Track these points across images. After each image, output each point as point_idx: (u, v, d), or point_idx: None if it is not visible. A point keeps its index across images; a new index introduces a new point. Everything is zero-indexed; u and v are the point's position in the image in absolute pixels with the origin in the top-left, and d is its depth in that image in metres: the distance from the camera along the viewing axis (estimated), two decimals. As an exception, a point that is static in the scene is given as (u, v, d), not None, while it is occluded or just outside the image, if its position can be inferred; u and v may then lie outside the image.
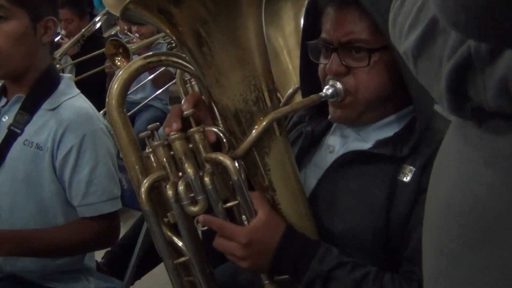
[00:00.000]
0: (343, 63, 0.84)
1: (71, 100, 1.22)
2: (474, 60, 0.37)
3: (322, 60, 0.88)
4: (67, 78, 1.28)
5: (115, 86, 0.87)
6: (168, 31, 0.77)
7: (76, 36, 3.04)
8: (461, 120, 0.44)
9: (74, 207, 1.21)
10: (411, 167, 0.81)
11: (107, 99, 0.87)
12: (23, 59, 1.15)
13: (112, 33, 3.51)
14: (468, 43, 0.37)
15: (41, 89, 1.20)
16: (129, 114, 0.92)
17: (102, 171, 1.20)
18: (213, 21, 0.74)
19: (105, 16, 3.36)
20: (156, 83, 2.91)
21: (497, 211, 0.37)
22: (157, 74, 2.78)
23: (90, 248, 1.29)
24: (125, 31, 3.14)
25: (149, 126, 0.86)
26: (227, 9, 0.74)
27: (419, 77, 0.46)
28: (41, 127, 1.18)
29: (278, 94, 1.46)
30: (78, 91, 1.27)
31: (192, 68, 0.85)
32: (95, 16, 3.43)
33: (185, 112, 0.81)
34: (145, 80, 2.85)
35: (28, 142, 1.17)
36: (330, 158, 0.91)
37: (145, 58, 0.88)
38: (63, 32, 3.10)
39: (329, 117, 0.91)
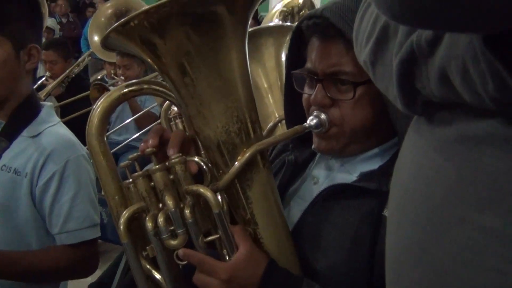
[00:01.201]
0: (328, 94, 0.81)
1: (53, 127, 1.20)
2: (416, 53, 0.39)
3: (307, 90, 0.86)
4: (48, 106, 1.25)
5: (96, 114, 0.83)
6: (150, 60, 0.74)
7: (60, 77, 3.07)
8: (416, 119, 0.46)
9: (50, 235, 1.16)
10: None
11: (87, 128, 0.84)
12: (5, 86, 1.12)
13: (99, 77, 3.54)
14: (411, 38, 0.39)
15: (22, 116, 1.17)
16: (112, 152, 0.89)
17: (84, 197, 1.16)
18: (196, 52, 0.71)
19: (90, 58, 3.39)
20: (140, 124, 2.90)
21: (445, 189, 0.38)
22: (141, 115, 2.78)
23: (68, 275, 1.23)
24: (112, 75, 3.16)
25: (130, 157, 0.82)
26: (211, 40, 0.71)
27: (377, 82, 0.47)
28: (20, 153, 1.14)
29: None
30: (58, 119, 1.25)
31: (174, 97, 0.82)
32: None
33: (171, 157, 0.77)
34: (128, 121, 2.84)
35: (6, 167, 1.13)
36: (315, 190, 0.88)
37: (126, 86, 0.84)
38: (47, 73, 3.11)
39: (313, 147, 0.88)
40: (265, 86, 1.38)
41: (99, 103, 0.82)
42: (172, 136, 0.80)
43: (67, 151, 1.16)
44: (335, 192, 0.83)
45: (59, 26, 6.66)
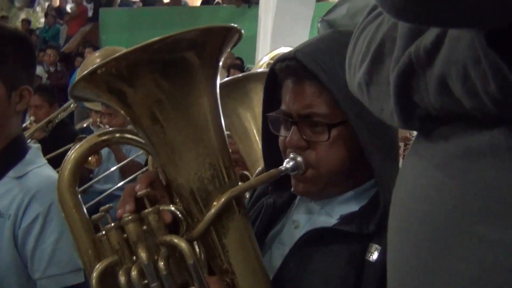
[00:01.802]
0: (303, 137, 0.80)
1: (39, 169, 1.17)
2: (415, 64, 0.38)
3: (283, 133, 0.84)
4: (35, 148, 1.23)
5: (68, 167, 0.80)
6: (119, 109, 0.72)
7: (43, 122, 3.04)
8: (414, 142, 0.45)
9: (31, 281, 1.10)
10: (377, 245, 0.75)
11: (58, 180, 0.81)
12: None
13: (85, 125, 3.53)
14: (409, 50, 0.38)
15: (9, 156, 1.15)
16: (94, 202, 0.86)
17: (68, 241, 1.10)
18: (166, 99, 0.69)
19: (75, 105, 3.39)
20: (124, 173, 2.85)
21: (449, 206, 0.37)
22: (125, 163, 2.75)
23: None
24: (98, 123, 3.16)
25: (101, 208, 0.79)
26: (181, 87, 0.69)
27: (372, 104, 0.46)
28: (4, 194, 1.11)
29: (247, 172, 1.44)
30: (45, 161, 1.22)
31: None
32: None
33: (138, 193, 0.75)
34: (112, 169, 2.79)
35: None
36: (296, 235, 0.84)
37: (98, 135, 0.82)
38: (32, 118, 3.09)
39: (292, 190, 0.86)
40: (254, 130, 1.37)
41: (70, 154, 0.80)
42: (143, 175, 0.78)
43: (53, 193, 1.10)
44: (316, 237, 0.80)
45: (46, 75, 6.72)
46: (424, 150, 0.42)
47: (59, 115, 3.17)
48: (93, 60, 3.67)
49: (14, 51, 1.13)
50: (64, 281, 1.10)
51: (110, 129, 0.83)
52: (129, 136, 0.81)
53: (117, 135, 0.81)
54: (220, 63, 0.73)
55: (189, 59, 0.69)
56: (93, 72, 0.68)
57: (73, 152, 0.80)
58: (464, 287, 0.35)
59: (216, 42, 0.71)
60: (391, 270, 0.44)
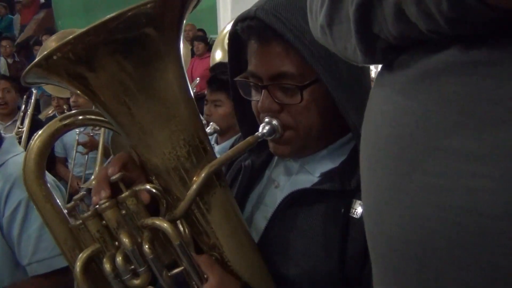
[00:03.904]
0: (276, 100, 0.74)
1: (16, 157, 1.14)
2: None
3: (254, 96, 0.78)
4: (11, 137, 1.20)
5: (31, 157, 0.72)
6: (80, 92, 0.65)
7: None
8: (378, 74, 0.44)
9: (22, 268, 1.07)
10: (360, 201, 0.71)
11: (23, 173, 0.73)
12: None
13: (50, 112, 3.37)
14: None
15: None
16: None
17: None
18: (129, 79, 0.61)
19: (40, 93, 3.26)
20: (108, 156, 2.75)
21: (413, 125, 0.37)
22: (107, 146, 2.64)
23: None
24: (64, 109, 3.02)
25: (74, 197, 0.72)
26: (143, 65, 0.61)
27: (336, 44, 0.45)
28: None
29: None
30: (22, 149, 1.18)
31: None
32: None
33: (112, 177, 0.68)
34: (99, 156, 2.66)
35: None
36: (277, 196, 0.80)
37: (60, 120, 0.72)
38: None
39: (271, 150, 0.80)
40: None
41: (32, 144, 0.72)
42: (115, 158, 0.71)
43: None
44: (298, 198, 0.76)
45: (6, 67, 6.34)
46: (387, 79, 0.42)
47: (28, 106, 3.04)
48: (49, 45, 3.47)
49: None
50: (52, 264, 1.08)
51: (72, 112, 0.74)
52: (93, 117, 0.73)
53: (80, 117, 0.72)
54: (182, 33, 0.66)
55: (148, 33, 0.60)
56: (47, 58, 0.59)
57: (35, 142, 0.72)
58: (432, 199, 0.35)
59: (173, 11, 0.63)
60: (366, 201, 0.44)
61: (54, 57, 0.59)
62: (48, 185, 1.13)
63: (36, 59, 0.61)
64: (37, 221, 1.06)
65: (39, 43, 6.39)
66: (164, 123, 0.65)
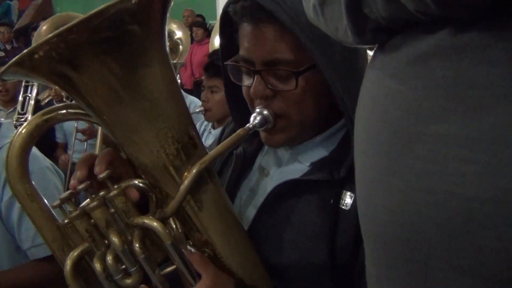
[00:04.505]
0: (269, 86, 0.69)
1: None
2: None
3: (246, 82, 0.73)
4: (8, 123, 1.18)
5: (14, 154, 0.69)
6: (64, 91, 0.61)
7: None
8: (372, 57, 0.44)
9: (21, 251, 1.07)
10: (350, 192, 0.68)
11: (6, 172, 0.70)
12: None
13: (45, 96, 3.33)
14: None
15: None
16: None
17: None
18: (114, 77, 0.57)
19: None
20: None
21: (403, 110, 0.37)
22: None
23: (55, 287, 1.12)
24: (63, 97, 2.97)
25: (60, 197, 0.68)
26: (128, 62, 0.58)
27: (327, 25, 0.45)
28: None
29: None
30: None
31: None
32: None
33: (99, 176, 0.65)
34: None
35: None
36: (267, 184, 0.77)
37: (42, 115, 0.68)
38: None
39: (263, 141, 0.76)
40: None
41: (13, 142, 0.68)
42: (101, 155, 0.67)
43: (31, 163, 1.04)
44: (287, 189, 0.73)
45: (3, 53, 6.25)
46: (379, 62, 0.42)
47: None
48: (43, 30, 3.39)
49: None
50: None
51: (54, 106, 0.70)
52: (76, 111, 0.69)
53: (63, 111, 0.68)
54: (165, 26, 0.62)
55: (131, 30, 0.56)
56: (29, 55, 0.55)
57: (16, 140, 0.68)
58: (421, 183, 0.35)
59: (156, 7, 0.58)
60: (359, 184, 0.44)
61: (36, 56, 0.55)
62: (51, 167, 1.15)
63: (15, 58, 0.57)
64: None
65: (36, 28, 6.29)
66: (151, 121, 0.61)
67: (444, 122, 0.34)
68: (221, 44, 0.79)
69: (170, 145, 0.63)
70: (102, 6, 0.52)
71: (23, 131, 0.67)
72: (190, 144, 0.65)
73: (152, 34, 0.59)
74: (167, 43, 0.63)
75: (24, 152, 0.68)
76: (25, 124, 0.68)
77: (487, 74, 0.32)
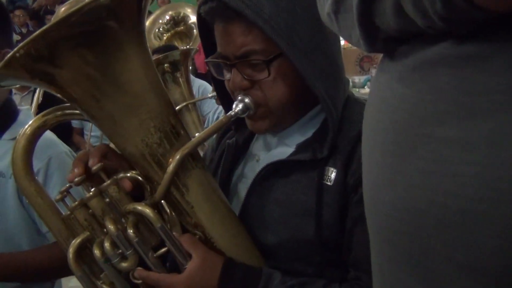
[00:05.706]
0: (245, 77, 0.73)
1: None
2: None
3: (226, 76, 0.77)
4: (26, 109, 1.18)
5: (18, 155, 0.74)
6: (49, 90, 0.65)
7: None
8: (381, 60, 0.46)
9: (41, 234, 1.07)
10: (332, 168, 0.71)
11: (13, 171, 0.75)
12: None
13: None
14: None
15: (1, 120, 1.09)
16: None
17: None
18: (94, 72, 0.61)
19: None
20: None
21: (409, 112, 0.38)
22: None
23: (63, 273, 1.11)
24: None
25: (61, 189, 0.73)
26: (107, 56, 0.61)
27: (341, 32, 0.47)
28: (3, 156, 1.05)
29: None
30: None
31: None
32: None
33: (93, 168, 0.69)
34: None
35: None
36: (257, 169, 0.79)
37: (43, 115, 0.74)
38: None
39: (248, 127, 0.80)
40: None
41: (17, 144, 0.73)
42: (94, 149, 0.72)
43: (49, 149, 1.07)
44: (274, 169, 0.75)
45: (19, 37, 6.14)
46: (388, 67, 0.43)
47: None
48: (60, 13, 3.41)
49: None
50: None
51: (51, 108, 0.75)
52: (72, 111, 0.74)
53: (59, 113, 0.73)
54: (144, 19, 0.65)
55: (108, 25, 0.60)
56: (10, 58, 0.59)
57: (20, 141, 0.73)
58: (425, 182, 0.37)
59: (131, 1, 0.62)
60: (365, 180, 0.45)
61: (17, 55, 0.59)
62: (69, 152, 1.14)
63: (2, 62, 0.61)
64: (55, 189, 1.04)
65: (51, 12, 5.90)
66: (133, 113, 0.65)
67: (446, 126, 0.35)
68: (202, 45, 0.83)
69: (152, 134, 0.66)
70: (78, 6, 0.56)
71: (26, 133, 0.72)
72: (173, 133, 0.68)
73: (129, 28, 0.62)
74: (147, 39, 0.66)
75: (28, 152, 0.73)
76: (26, 126, 0.73)
77: (486, 82, 0.34)
